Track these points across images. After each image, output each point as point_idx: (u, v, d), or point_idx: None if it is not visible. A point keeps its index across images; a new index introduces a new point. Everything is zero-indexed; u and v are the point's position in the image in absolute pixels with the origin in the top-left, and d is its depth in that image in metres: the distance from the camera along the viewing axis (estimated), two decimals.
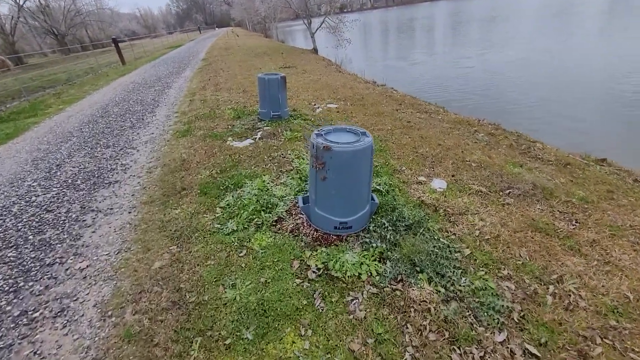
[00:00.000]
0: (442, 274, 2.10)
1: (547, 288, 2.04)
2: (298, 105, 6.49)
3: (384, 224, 2.52)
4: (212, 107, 6.71)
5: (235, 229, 2.68)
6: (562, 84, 9.59)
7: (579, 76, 10.21)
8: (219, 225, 2.77)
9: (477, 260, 2.27)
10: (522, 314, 1.87)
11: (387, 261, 2.22)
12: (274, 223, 2.73)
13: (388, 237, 2.36)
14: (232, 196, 3.17)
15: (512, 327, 1.79)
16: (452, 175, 3.49)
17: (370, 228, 2.53)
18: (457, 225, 2.67)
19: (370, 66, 14.72)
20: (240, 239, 2.58)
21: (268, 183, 3.38)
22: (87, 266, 2.53)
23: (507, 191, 3.10)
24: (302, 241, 2.50)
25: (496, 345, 1.71)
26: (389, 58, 18.17)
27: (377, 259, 2.26)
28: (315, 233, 2.56)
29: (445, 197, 3.08)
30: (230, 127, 5.36)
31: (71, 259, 2.63)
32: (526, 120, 7.11)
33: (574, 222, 2.66)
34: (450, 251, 2.33)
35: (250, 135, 4.90)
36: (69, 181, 4.08)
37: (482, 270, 2.18)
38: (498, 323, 1.80)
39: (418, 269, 2.16)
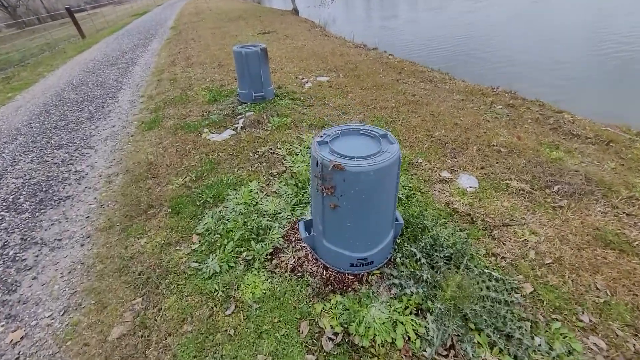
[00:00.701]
0: (507, 333, 1.54)
1: None
2: (283, 80, 5.62)
3: (415, 254, 1.91)
4: (184, 88, 5.77)
5: (218, 269, 2.03)
6: (568, 40, 8.79)
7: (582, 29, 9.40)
8: (197, 264, 2.12)
9: (545, 302, 1.71)
10: None
11: (428, 314, 1.64)
12: (268, 257, 2.09)
13: (424, 276, 1.76)
14: (212, 217, 2.49)
15: None
16: (481, 168, 2.85)
17: (397, 260, 1.92)
18: (504, 244, 2.08)
19: (358, 27, 13.46)
20: (226, 285, 1.95)
21: (256, 193, 2.69)
22: (21, 338, 1.88)
23: (556, 188, 2.50)
24: (308, 285, 1.88)
25: None
26: (377, 17, 16.75)
27: (414, 312, 1.67)
28: (324, 272, 1.94)
29: (479, 200, 2.47)
30: (205, 113, 4.52)
31: (1, 326, 1.97)
32: (535, 84, 6.41)
33: None
34: (507, 290, 1.75)
35: (230, 124, 4.11)
36: (10, 199, 3.30)
37: (557, 319, 1.62)
38: None
39: (472, 325, 1.58)
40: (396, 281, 1.79)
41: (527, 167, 2.81)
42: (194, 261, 2.14)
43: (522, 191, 2.52)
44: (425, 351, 1.53)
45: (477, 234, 2.16)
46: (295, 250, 2.11)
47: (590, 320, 1.62)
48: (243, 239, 2.22)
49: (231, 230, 2.32)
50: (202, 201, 2.70)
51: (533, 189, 2.54)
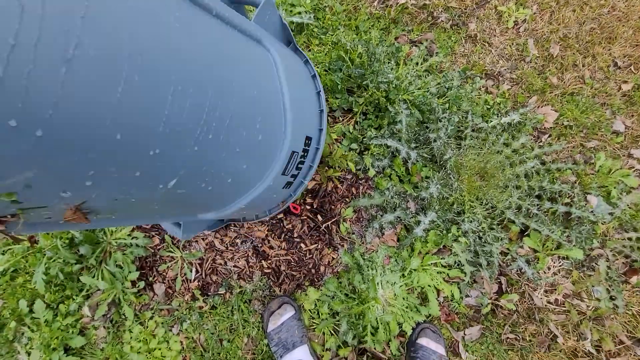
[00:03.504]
0: (562, 214, 1.03)
1: None
2: None
3: (398, 150, 1.02)
4: None
5: None
6: None
7: None
8: None
9: (573, 127, 1.16)
10: None
11: (455, 245, 1.00)
12: (138, 288, 1.02)
13: (432, 191, 0.97)
14: None
15: None
16: None
17: (370, 171, 1.04)
18: (490, 45, 1.27)
19: None
20: None
21: None
22: None
23: None
24: (250, 300, 1.00)
25: None
26: None
27: (434, 251, 1.02)
28: (264, 262, 1.01)
29: None
30: None
31: None
32: None
33: None
34: (532, 135, 1.13)
35: None
36: None
37: (595, 149, 1.14)
38: None
39: (517, 227, 1.02)
40: (389, 217, 1.00)
41: None
42: None
43: None
44: (468, 296, 1.01)
45: (449, 42, 1.26)
46: (185, 244, 1.04)
47: (626, 127, 1.17)
48: (56, 280, 1.00)
49: (16, 272, 1.03)
50: None
51: None
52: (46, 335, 0.98)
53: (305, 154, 0.74)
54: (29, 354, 0.99)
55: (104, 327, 1.01)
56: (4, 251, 1.05)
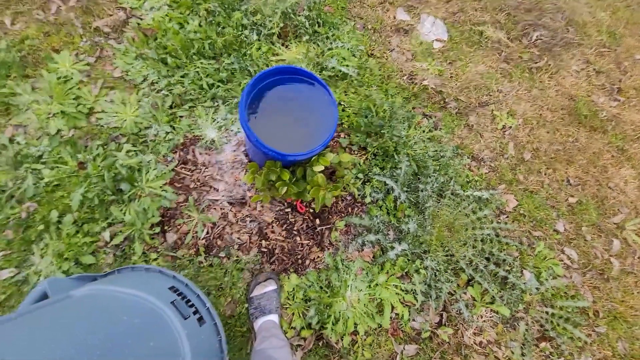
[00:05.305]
0: (501, 276, 1.30)
1: (610, 243, 1.49)
2: None
3: (392, 189, 1.29)
4: None
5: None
6: None
7: None
8: (10, 273, 1.11)
9: (526, 216, 1.48)
10: (595, 309, 1.36)
11: (415, 275, 1.24)
12: (153, 231, 1.20)
13: (409, 228, 1.24)
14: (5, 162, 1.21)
15: (593, 346, 1.31)
16: (447, 1, 1.95)
17: (367, 199, 1.31)
18: (482, 136, 1.61)
19: None
20: None
21: (80, 83, 1.37)
22: None
23: (534, 35, 1.90)
24: (242, 269, 1.19)
25: None
26: None
27: (398, 275, 1.25)
28: (263, 241, 1.22)
29: (450, 64, 1.76)
30: None
31: None
32: None
33: (615, 92, 1.87)
34: (494, 212, 1.43)
35: None
36: None
37: (538, 238, 1.44)
38: (579, 344, 1.28)
39: (465, 276, 1.28)
40: (371, 237, 1.24)
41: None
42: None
43: (498, 44, 1.86)
44: (414, 320, 1.23)
45: (452, 124, 1.60)
46: (204, 208, 1.25)
47: (565, 229, 1.49)
48: (91, 203, 1.18)
49: (58, 186, 1.20)
50: None
51: (510, 38, 1.89)
52: (63, 246, 1.14)
53: (183, 295, 0.78)
54: (42, 257, 1.14)
55: (114, 254, 1.17)
56: (52, 167, 1.23)
